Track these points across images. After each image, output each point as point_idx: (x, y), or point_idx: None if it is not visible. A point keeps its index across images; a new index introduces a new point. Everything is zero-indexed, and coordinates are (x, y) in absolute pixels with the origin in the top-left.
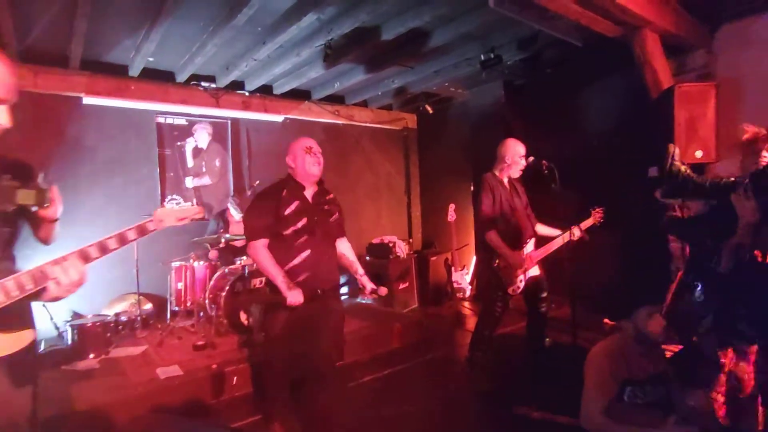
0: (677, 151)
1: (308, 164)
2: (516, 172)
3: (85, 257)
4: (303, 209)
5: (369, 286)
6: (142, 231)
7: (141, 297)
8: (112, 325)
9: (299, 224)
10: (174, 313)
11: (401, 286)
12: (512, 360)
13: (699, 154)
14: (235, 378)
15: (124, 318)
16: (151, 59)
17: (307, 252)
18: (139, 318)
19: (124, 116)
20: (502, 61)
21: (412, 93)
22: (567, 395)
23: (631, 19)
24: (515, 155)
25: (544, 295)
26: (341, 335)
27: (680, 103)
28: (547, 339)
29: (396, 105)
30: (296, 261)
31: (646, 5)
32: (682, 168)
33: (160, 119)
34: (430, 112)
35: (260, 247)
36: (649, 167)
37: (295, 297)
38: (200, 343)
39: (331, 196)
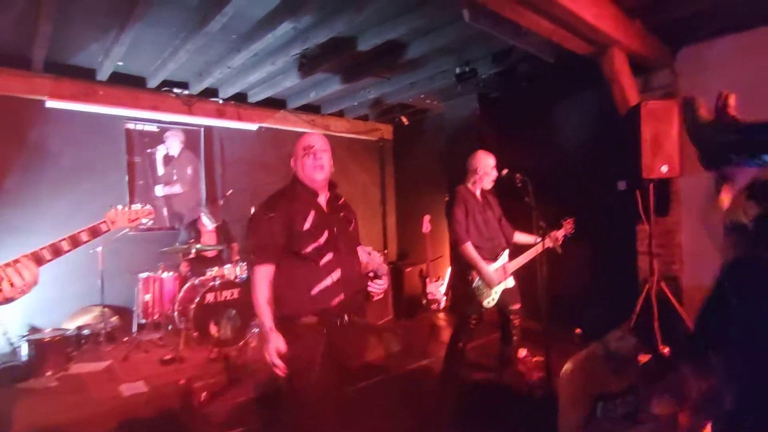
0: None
1: (308, 168)
2: (488, 184)
3: (37, 259)
4: (321, 221)
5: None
6: (94, 232)
7: (106, 309)
8: (73, 339)
9: (321, 240)
10: (141, 326)
11: (375, 298)
12: (487, 373)
13: (664, 169)
14: (204, 393)
15: (86, 331)
16: (120, 64)
17: (338, 272)
18: (103, 331)
19: (92, 121)
20: (477, 75)
21: (388, 104)
22: (541, 409)
23: (600, 38)
24: (486, 167)
25: (517, 306)
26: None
27: (646, 120)
28: (523, 350)
29: (372, 115)
30: (327, 282)
31: (614, 25)
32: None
33: (130, 125)
34: (406, 123)
35: (262, 276)
36: (618, 181)
37: (277, 343)
38: (168, 357)
39: (343, 200)
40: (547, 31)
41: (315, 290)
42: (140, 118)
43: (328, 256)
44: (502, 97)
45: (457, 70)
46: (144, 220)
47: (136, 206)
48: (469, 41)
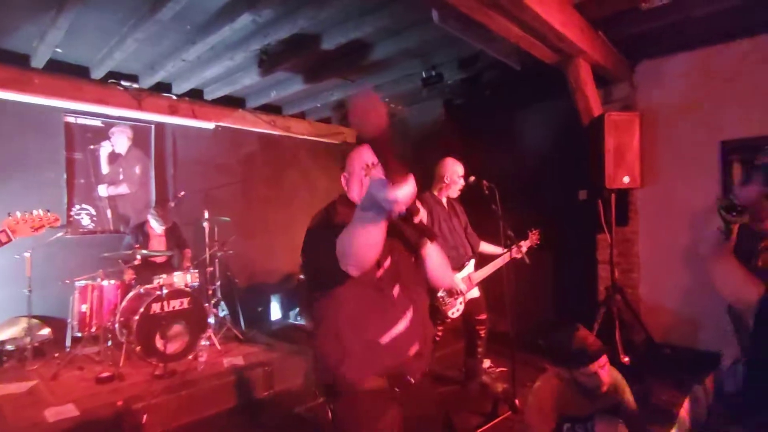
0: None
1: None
2: (455, 192)
3: None
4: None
5: None
6: None
7: (34, 321)
8: None
9: (386, 264)
10: (76, 340)
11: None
12: (451, 384)
13: (626, 179)
14: (145, 416)
15: (10, 347)
16: (59, 50)
17: (410, 311)
18: (29, 346)
19: (25, 112)
20: (444, 80)
21: None
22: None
23: (567, 47)
24: (453, 174)
25: (483, 317)
26: None
27: (609, 131)
28: (487, 361)
29: (335, 118)
30: (401, 327)
31: (580, 35)
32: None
33: (70, 119)
34: None
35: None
36: (578, 190)
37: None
38: (105, 374)
39: None
40: (515, 37)
41: (388, 335)
42: (82, 111)
43: (395, 289)
44: (466, 103)
45: (424, 74)
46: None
47: (38, 212)
48: (436, 45)
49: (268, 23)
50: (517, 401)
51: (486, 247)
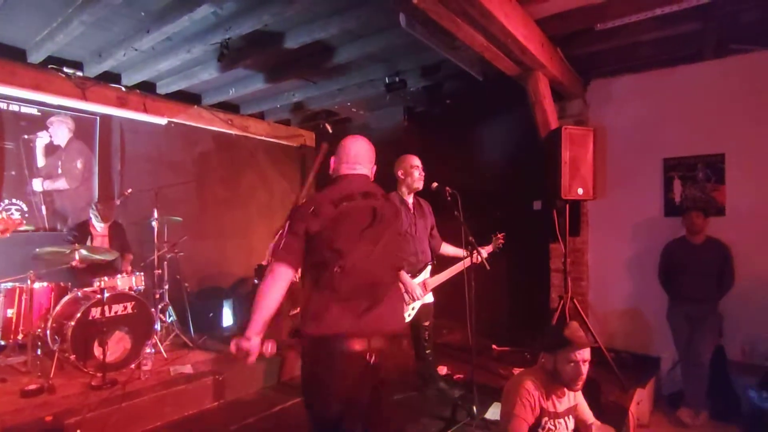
0: None
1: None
2: (416, 184)
3: None
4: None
5: None
6: None
7: None
8: None
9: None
10: None
11: (293, 312)
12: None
13: (580, 191)
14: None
15: None
16: None
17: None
18: None
19: None
20: (407, 86)
21: (312, 110)
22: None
23: (528, 60)
24: (407, 166)
25: (428, 323)
26: None
27: (566, 144)
28: (443, 367)
29: (294, 121)
30: None
31: (541, 50)
32: None
33: (1, 104)
34: (330, 131)
35: None
36: (534, 200)
37: None
38: (32, 387)
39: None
40: (480, 47)
41: None
42: (16, 97)
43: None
44: (427, 111)
45: (387, 80)
46: None
47: (2, 215)
48: (400, 52)
49: (231, 17)
50: (474, 407)
51: (448, 249)
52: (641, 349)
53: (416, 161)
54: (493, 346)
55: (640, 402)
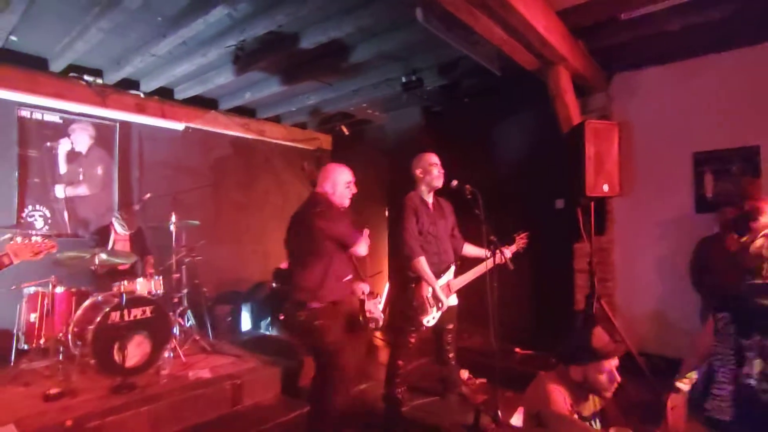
0: None
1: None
2: (435, 182)
3: None
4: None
5: None
6: None
7: None
8: None
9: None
10: (22, 353)
11: None
12: (429, 396)
13: (606, 187)
14: None
15: None
16: (14, 38)
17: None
18: None
19: None
20: (423, 85)
21: (328, 112)
22: None
23: (549, 53)
24: (425, 164)
25: (451, 326)
26: None
27: (589, 138)
28: (465, 371)
29: (311, 124)
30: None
31: (562, 42)
32: None
33: (25, 113)
34: (346, 133)
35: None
36: (556, 199)
37: None
38: (54, 391)
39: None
40: (499, 41)
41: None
42: (39, 105)
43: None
44: (445, 110)
45: (403, 79)
46: None
47: (37, 238)
48: (417, 49)
49: (245, 18)
50: (499, 413)
51: (470, 250)
52: (674, 353)
53: (434, 158)
54: (517, 350)
55: (674, 407)
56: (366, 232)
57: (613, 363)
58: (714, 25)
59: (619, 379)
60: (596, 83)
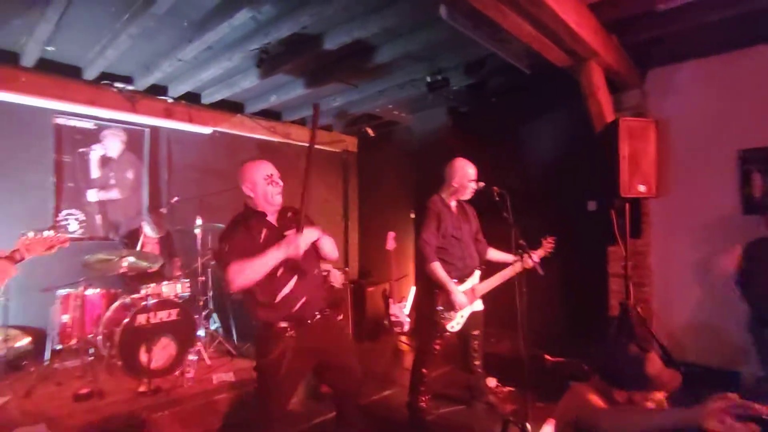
0: None
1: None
2: (465, 196)
3: None
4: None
5: None
6: None
7: (13, 331)
8: None
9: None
10: (56, 353)
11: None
12: (455, 404)
13: (642, 188)
14: None
15: None
16: (50, 48)
17: (293, 281)
18: (3, 359)
19: (10, 112)
20: (449, 84)
21: (353, 114)
22: None
23: (581, 49)
24: (464, 178)
25: (477, 332)
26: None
27: (624, 137)
28: (493, 379)
29: (337, 126)
30: (286, 290)
31: (595, 37)
32: None
33: (60, 120)
34: (372, 135)
35: None
36: (588, 200)
37: None
38: (84, 391)
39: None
40: (528, 37)
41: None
42: (73, 112)
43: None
44: (472, 111)
45: (429, 79)
46: None
47: (49, 232)
48: (442, 48)
49: (269, 21)
50: (528, 424)
51: (495, 255)
52: (718, 363)
53: (473, 173)
54: (546, 357)
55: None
56: (392, 234)
57: (665, 395)
58: (757, 15)
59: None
60: (630, 79)
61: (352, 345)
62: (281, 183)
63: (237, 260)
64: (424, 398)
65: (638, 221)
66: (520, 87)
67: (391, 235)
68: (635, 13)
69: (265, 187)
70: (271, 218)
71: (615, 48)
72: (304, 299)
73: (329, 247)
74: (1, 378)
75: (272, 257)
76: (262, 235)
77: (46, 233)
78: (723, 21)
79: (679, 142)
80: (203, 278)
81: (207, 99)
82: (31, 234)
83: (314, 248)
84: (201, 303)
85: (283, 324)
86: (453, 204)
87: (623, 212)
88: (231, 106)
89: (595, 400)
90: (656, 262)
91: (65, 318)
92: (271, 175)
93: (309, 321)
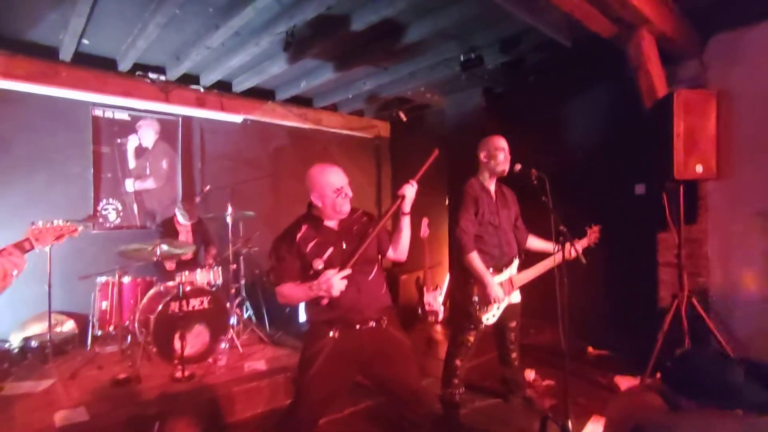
0: None
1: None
2: (500, 167)
3: None
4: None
5: None
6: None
7: (61, 317)
8: (13, 353)
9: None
10: (96, 338)
11: None
12: (491, 398)
13: (699, 168)
14: (157, 424)
15: (34, 343)
16: (86, 42)
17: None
18: (50, 344)
19: (52, 106)
20: (484, 63)
21: (384, 98)
22: None
23: (630, 16)
24: (491, 148)
25: (514, 324)
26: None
27: (679, 112)
28: (531, 372)
29: (368, 111)
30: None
31: (647, 1)
32: None
33: (98, 112)
34: (404, 119)
35: None
36: (633, 184)
37: None
38: (122, 376)
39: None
40: (569, 6)
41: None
42: (110, 104)
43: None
44: (508, 91)
45: (462, 58)
46: None
47: (58, 221)
48: (475, 24)
49: (293, 3)
50: (569, 422)
51: (536, 243)
52: None
53: (502, 143)
54: (589, 349)
55: None
56: (425, 221)
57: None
58: None
59: None
60: (688, 48)
61: (409, 355)
62: (351, 193)
63: (278, 278)
64: (457, 392)
65: (694, 205)
66: (560, 63)
67: (425, 221)
68: None
69: (334, 200)
70: (331, 223)
71: (670, 12)
72: (355, 303)
73: (401, 248)
74: (49, 361)
75: (304, 294)
76: (309, 246)
77: (56, 222)
78: None
79: (744, 117)
80: (234, 266)
81: (238, 87)
82: (40, 223)
83: (376, 246)
84: (233, 291)
85: (328, 324)
86: (492, 188)
87: (676, 196)
88: (262, 94)
89: (661, 405)
90: (714, 251)
91: (104, 305)
92: (341, 188)
93: (357, 326)
